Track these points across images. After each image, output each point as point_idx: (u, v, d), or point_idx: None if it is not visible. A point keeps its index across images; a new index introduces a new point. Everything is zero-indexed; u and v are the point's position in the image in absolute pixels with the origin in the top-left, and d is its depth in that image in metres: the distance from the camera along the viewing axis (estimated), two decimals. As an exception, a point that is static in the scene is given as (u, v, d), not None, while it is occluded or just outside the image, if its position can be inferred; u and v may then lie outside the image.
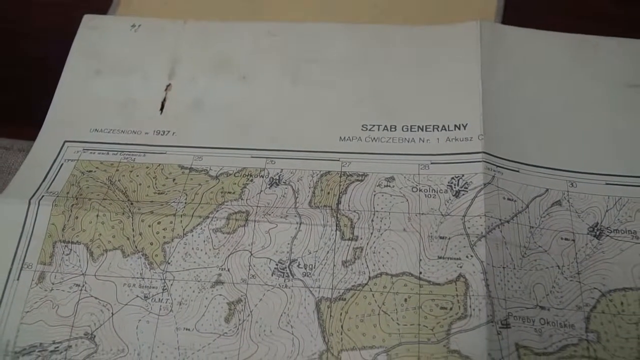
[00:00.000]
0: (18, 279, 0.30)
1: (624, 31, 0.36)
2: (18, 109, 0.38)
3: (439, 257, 0.29)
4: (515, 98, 0.34)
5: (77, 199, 0.32)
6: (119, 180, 0.33)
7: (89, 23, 0.39)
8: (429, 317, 0.28)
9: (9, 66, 0.41)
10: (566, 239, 0.30)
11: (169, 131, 0.35)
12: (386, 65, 0.36)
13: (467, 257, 0.29)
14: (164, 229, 0.31)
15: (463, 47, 0.36)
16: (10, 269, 0.30)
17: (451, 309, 0.28)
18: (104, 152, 0.34)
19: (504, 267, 0.29)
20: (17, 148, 0.35)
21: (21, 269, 0.30)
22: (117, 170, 0.33)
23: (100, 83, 0.37)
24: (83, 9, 0.40)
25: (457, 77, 0.34)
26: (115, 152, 0.34)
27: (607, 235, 0.30)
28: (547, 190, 0.31)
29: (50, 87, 0.37)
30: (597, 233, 0.30)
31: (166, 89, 0.36)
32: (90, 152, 0.34)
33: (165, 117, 0.35)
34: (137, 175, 0.33)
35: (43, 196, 0.32)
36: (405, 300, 0.28)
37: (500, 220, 0.30)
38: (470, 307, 0.28)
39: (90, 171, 0.33)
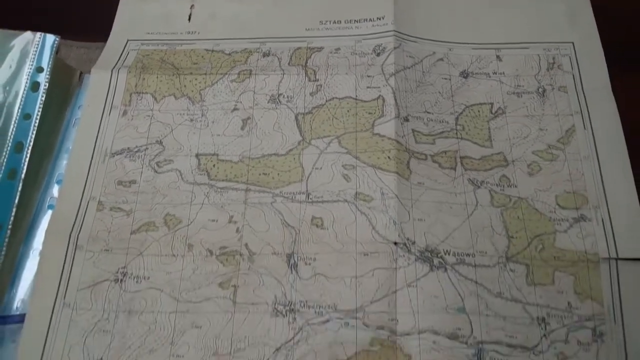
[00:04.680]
0: (109, 115, 0.47)
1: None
2: (90, 25, 0.55)
3: (367, 87, 0.47)
4: (416, 2, 0.52)
5: (142, 69, 0.49)
6: (167, 59, 0.50)
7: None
8: (362, 118, 0.46)
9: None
10: (445, 78, 0.48)
11: (195, 31, 0.52)
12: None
13: (383, 86, 0.47)
14: (199, 82, 0.48)
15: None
16: (104, 108, 0.47)
17: (374, 113, 0.46)
18: (155, 44, 0.51)
19: (406, 91, 0.47)
20: (94, 47, 0.52)
21: (111, 108, 0.47)
22: (165, 53, 0.50)
23: (147, 6, 0.54)
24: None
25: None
26: (163, 44, 0.51)
27: (471, 76, 0.49)
28: (434, 52, 0.49)
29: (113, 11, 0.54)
30: (465, 75, 0.49)
31: (191, 7, 0.54)
32: (146, 45, 0.51)
33: (192, 23, 0.53)
34: (179, 56, 0.50)
35: (120, 68, 0.49)
36: (348, 110, 0.46)
37: (404, 67, 0.48)
38: (385, 111, 0.46)
39: (148, 55, 0.50)
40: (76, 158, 0.45)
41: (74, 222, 0.42)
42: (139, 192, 0.44)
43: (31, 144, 0.43)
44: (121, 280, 0.41)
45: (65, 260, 0.41)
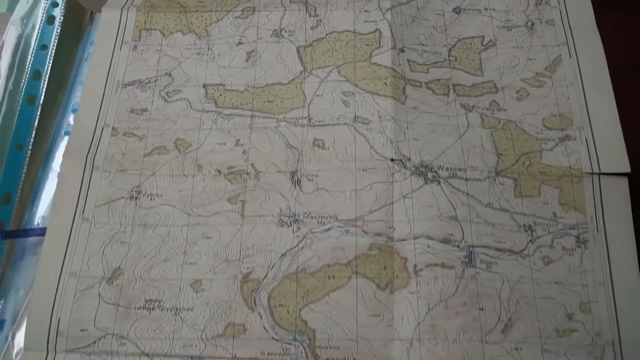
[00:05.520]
0: (120, 49, 0.49)
1: None
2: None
3: (365, 21, 0.49)
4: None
5: (150, 7, 0.51)
6: (174, -1, 0.53)
7: None
8: (360, 50, 0.48)
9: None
10: (438, 14, 0.50)
11: (200, -26, 0.55)
12: None
13: (380, 20, 0.49)
14: (205, 19, 0.51)
15: None
16: (115, 43, 0.50)
17: (372, 44, 0.48)
18: (162, -14, 0.54)
19: (401, 25, 0.49)
20: (104, -9, 0.55)
21: (122, 44, 0.50)
22: (172, -6, 0.53)
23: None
24: None
25: None
26: (169, -14, 0.54)
27: (463, 12, 0.51)
28: (428, -10, 0.52)
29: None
30: (458, 11, 0.51)
31: (196, -47, 0.56)
32: (154, -13, 0.54)
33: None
34: (185, -4, 0.53)
35: (129, 7, 0.51)
36: (346, 43, 0.49)
37: (399, 2, 0.50)
38: (382, 42, 0.48)
39: (156, -5, 0.53)
40: (90, 88, 0.47)
41: (90, 146, 0.45)
42: (150, 119, 0.46)
43: (48, 72, 0.45)
44: (136, 198, 0.43)
45: (82, 179, 0.43)
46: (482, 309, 0.39)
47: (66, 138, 0.46)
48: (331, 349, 0.38)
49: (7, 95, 0.43)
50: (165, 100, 0.47)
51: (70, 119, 0.47)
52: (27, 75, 0.44)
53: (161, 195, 0.43)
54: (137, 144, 0.45)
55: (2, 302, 0.41)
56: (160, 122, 0.46)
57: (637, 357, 0.38)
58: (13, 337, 0.40)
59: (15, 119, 0.43)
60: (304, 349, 0.38)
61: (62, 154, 0.45)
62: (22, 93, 0.44)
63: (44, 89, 0.45)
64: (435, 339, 0.38)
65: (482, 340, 0.38)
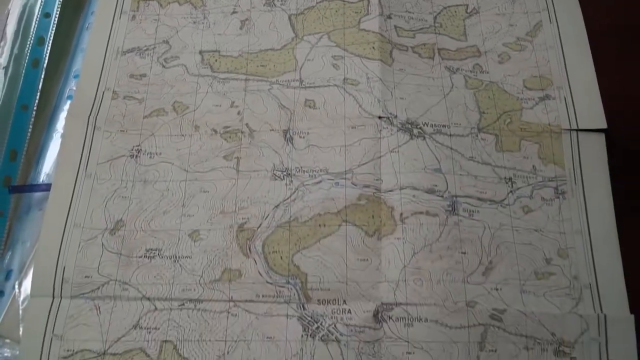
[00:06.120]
0: (120, 19, 0.52)
1: None
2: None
3: (354, -10, 0.52)
4: None
5: (148, -20, 0.54)
6: (171, -29, 0.55)
7: None
8: (349, 17, 0.50)
9: None
10: (424, -16, 0.53)
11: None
12: None
13: (369, -11, 0.52)
14: (200, -10, 0.53)
15: None
16: (114, 13, 0.52)
17: (360, 12, 0.50)
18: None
19: (389, -6, 0.52)
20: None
21: (121, 13, 0.52)
22: (169, -33, 0.55)
23: None
24: None
25: None
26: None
27: (449, -17, 0.54)
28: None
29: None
30: (443, -18, 0.54)
31: None
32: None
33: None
34: (181, -31, 0.55)
35: (128, -20, 0.54)
36: (336, 11, 0.51)
37: (387, -27, 0.53)
38: (370, 10, 0.50)
39: (153, -32, 0.55)
40: (91, 55, 0.50)
41: (92, 108, 0.47)
42: (149, 84, 0.49)
43: (51, 39, 0.48)
44: (136, 156, 0.46)
45: (85, 139, 0.46)
46: (465, 253, 0.41)
47: (69, 102, 0.49)
48: (322, 290, 0.40)
49: (12, 59, 0.46)
50: (163, 66, 0.49)
51: (73, 84, 0.49)
52: (32, 41, 0.47)
53: (160, 154, 0.46)
54: (137, 107, 0.48)
55: (10, 253, 0.43)
56: (159, 86, 0.49)
57: (613, 298, 0.40)
58: (20, 286, 0.42)
59: (21, 81, 0.45)
60: (297, 291, 0.40)
61: (65, 117, 0.47)
62: (27, 57, 0.46)
63: (48, 54, 0.47)
64: (420, 280, 0.40)
65: (464, 281, 0.40)
